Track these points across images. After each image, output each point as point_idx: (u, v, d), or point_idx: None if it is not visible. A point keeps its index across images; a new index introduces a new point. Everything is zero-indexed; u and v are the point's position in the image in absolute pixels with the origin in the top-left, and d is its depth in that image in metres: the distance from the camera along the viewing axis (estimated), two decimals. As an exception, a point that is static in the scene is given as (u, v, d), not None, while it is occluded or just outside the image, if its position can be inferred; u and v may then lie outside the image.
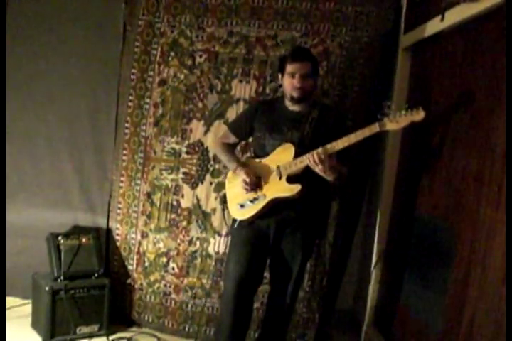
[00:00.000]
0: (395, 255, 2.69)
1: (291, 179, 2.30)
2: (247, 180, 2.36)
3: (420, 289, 2.35)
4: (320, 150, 2.18)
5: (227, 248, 2.58)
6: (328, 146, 2.19)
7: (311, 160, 2.19)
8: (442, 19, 2.16)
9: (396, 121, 2.12)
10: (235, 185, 2.47)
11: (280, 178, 2.32)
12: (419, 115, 2.09)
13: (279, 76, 2.40)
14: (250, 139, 2.66)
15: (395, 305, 2.61)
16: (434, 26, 2.28)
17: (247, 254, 2.39)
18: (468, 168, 1.97)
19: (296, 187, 2.26)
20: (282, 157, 2.33)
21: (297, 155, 2.28)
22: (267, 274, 2.58)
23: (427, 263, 2.31)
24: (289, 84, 2.32)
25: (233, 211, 2.47)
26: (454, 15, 2.08)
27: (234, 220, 2.49)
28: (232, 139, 2.59)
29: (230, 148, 2.61)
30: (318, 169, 2.19)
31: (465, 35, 2.11)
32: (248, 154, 2.82)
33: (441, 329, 2.06)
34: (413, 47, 2.63)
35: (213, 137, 2.88)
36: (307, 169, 2.24)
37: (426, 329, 2.23)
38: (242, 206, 2.41)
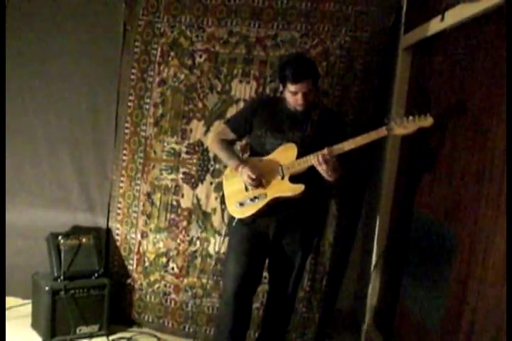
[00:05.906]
0: (395, 255, 2.69)
1: (293, 178, 2.30)
2: (253, 175, 2.30)
3: (420, 289, 2.35)
4: (326, 150, 2.19)
5: (226, 247, 2.57)
6: (335, 147, 2.20)
7: (315, 160, 2.19)
8: (442, 19, 2.16)
9: (404, 127, 2.13)
10: (234, 183, 2.46)
11: (282, 178, 2.31)
12: (427, 121, 2.10)
13: (280, 85, 2.34)
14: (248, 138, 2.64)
15: (395, 305, 2.61)
16: (434, 26, 2.28)
17: (246, 254, 2.39)
18: (468, 168, 1.97)
19: (300, 188, 2.26)
20: (285, 156, 2.32)
21: (299, 155, 2.28)
22: (266, 274, 2.58)
23: (427, 263, 2.31)
24: (293, 100, 2.31)
25: (232, 209, 2.45)
26: (454, 15, 2.08)
27: (231, 218, 2.48)
28: (231, 136, 2.53)
29: (229, 145, 2.55)
30: (321, 169, 2.20)
31: (465, 35, 2.11)
32: (248, 153, 2.82)
33: (441, 329, 2.06)
34: (413, 47, 2.64)
35: (212, 136, 2.87)
36: (308, 169, 2.25)
37: (426, 329, 2.23)
38: (241, 204, 2.40)
